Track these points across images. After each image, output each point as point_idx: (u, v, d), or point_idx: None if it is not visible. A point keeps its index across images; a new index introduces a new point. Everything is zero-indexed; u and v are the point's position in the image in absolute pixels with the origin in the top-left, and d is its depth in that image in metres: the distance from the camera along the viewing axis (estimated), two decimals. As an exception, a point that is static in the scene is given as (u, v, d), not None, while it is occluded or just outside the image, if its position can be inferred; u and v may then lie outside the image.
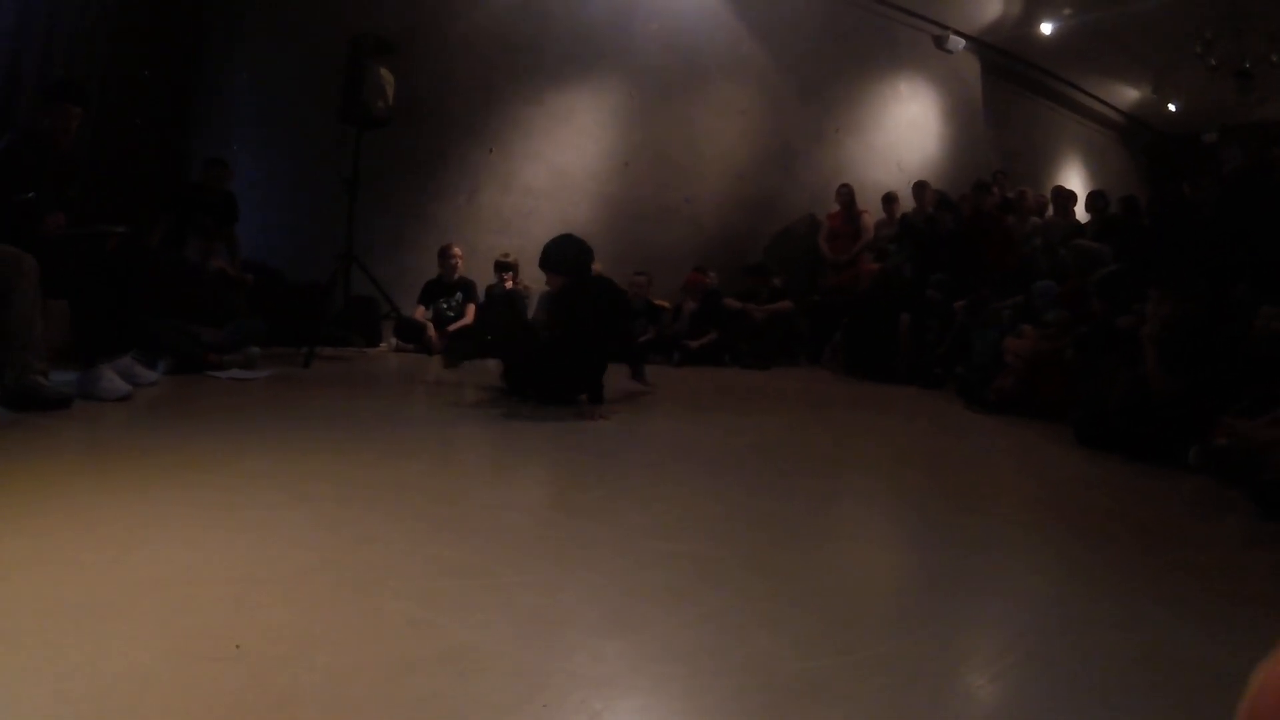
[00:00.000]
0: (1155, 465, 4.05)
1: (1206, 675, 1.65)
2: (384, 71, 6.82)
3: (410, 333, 7.82)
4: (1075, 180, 14.23)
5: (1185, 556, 2.64)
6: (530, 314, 8.06)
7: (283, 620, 1.60)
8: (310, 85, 7.98)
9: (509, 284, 8.29)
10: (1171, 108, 15.05)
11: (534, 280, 8.45)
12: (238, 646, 1.47)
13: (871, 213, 10.39)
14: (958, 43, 12.42)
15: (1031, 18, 12.21)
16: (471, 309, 8.05)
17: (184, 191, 7.19)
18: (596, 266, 5.76)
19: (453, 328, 7.84)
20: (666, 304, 8.85)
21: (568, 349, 4.92)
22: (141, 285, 4.76)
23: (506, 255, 8.40)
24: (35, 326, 3.85)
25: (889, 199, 10.47)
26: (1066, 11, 11.96)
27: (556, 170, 9.39)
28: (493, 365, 5.55)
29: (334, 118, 6.78)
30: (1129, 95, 15.50)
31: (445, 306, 8.04)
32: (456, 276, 8.12)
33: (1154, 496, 3.56)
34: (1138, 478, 3.84)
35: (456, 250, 8.10)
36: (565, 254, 5.17)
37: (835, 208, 10.41)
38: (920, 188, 10.19)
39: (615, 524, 2.42)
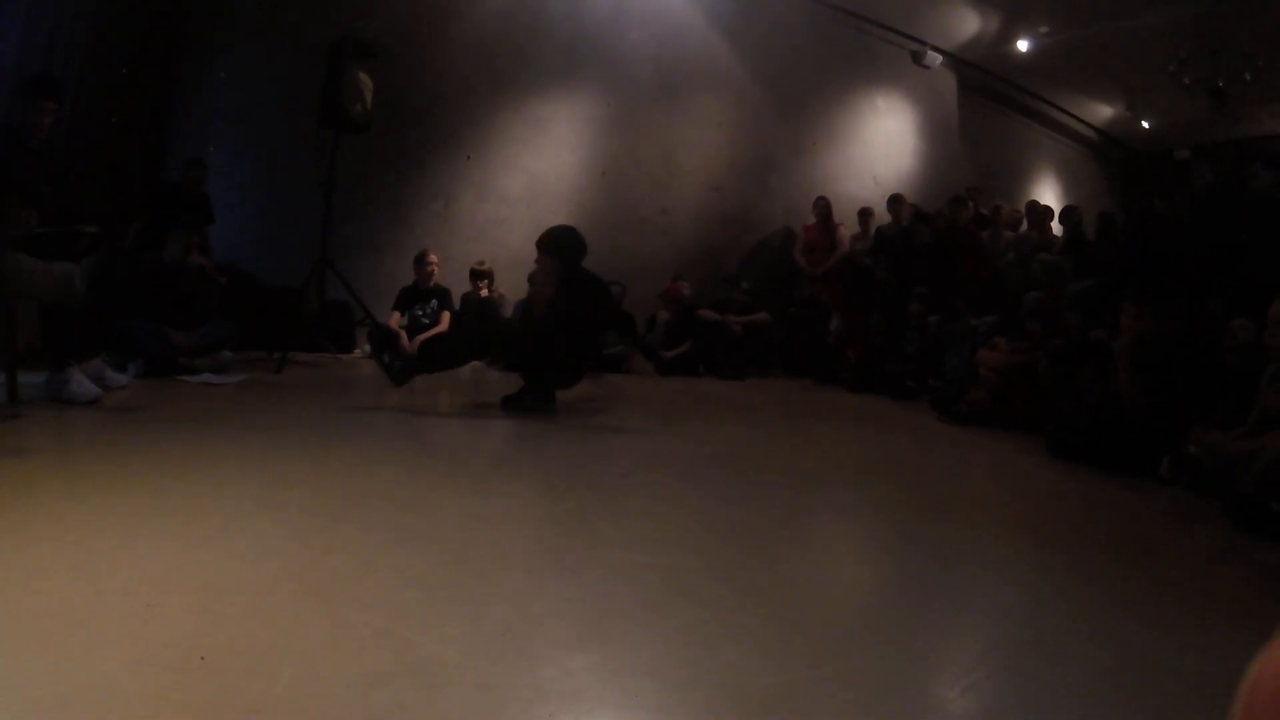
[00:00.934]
0: (1128, 477, 4.09)
1: (1180, 686, 1.66)
2: (363, 76, 6.79)
3: (384, 339, 7.77)
4: (1049, 196, 14.37)
5: (1158, 568, 2.65)
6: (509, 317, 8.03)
7: (248, 631, 1.58)
8: (290, 87, 7.95)
9: (484, 292, 8.27)
10: (1145, 124, 15.23)
11: (509, 288, 8.45)
12: (203, 658, 1.45)
13: (847, 226, 10.44)
14: (935, 58, 12.51)
15: (1008, 35, 12.32)
16: (447, 316, 8.01)
17: (160, 191, 7.13)
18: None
19: (424, 336, 7.82)
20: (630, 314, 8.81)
21: (559, 330, 4.99)
22: (113, 286, 4.70)
23: (482, 263, 8.38)
24: None
25: (864, 213, 10.51)
26: (1043, 29, 12.07)
27: (533, 178, 9.38)
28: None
29: (313, 120, 6.75)
30: (1103, 112, 15.66)
31: (420, 313, 8.00)
32: (432, 283, 8.08)
33: (1127, 508, 3.59)
34: (1110, 490, 3.87)
35: (433, 257, 8.06)
36: (565, 240, 5.35)
37: (812, 220, 10.44)
38: (895, 201, 10.24)
39: (586, 535, 2.41)
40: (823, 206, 10.29)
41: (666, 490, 3.25)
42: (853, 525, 3.03)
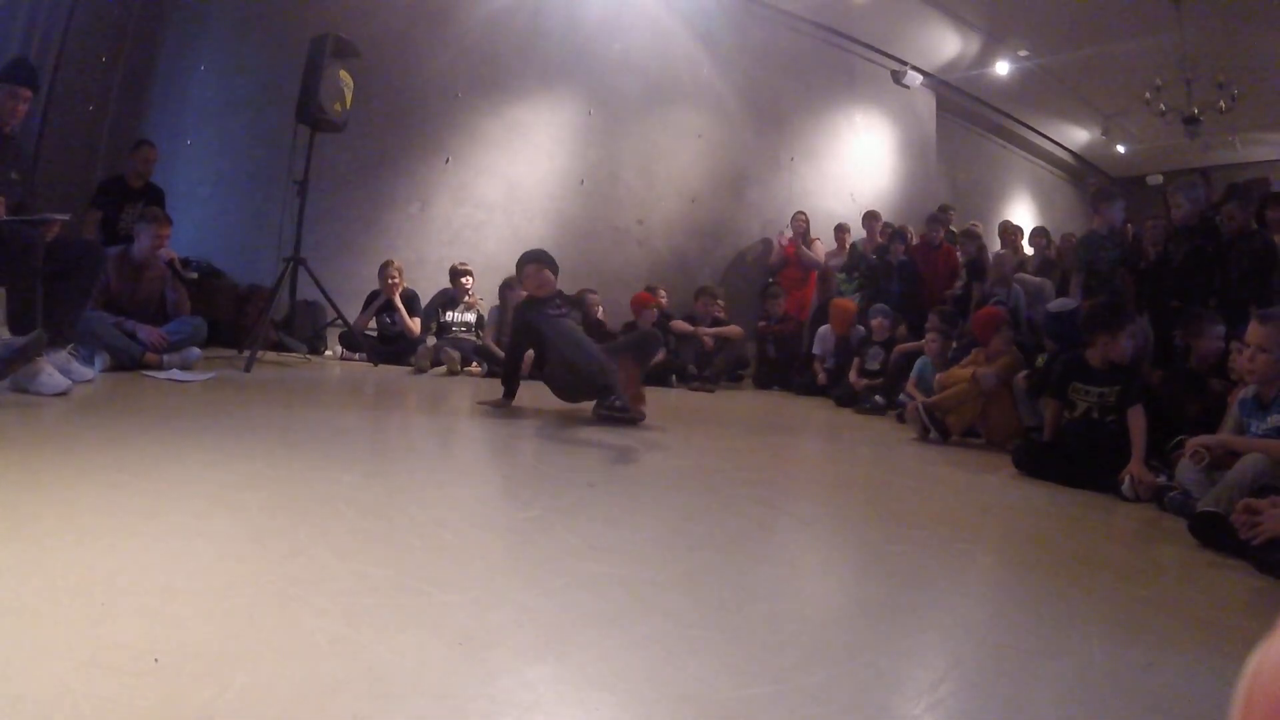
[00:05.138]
0: (1093, 494, 4.15)
1: (1144, 704, 1.66)
2: (344, 74, 6.75)
3: (355, 341, 7.74)
4: (1024, 217, 14.55)
5: (1123, 585, 2.67)
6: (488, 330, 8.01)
7: (202, 634, 1.55)
8: (269, 82, 7.92)
9: (467, 284, 8.26)
10: (1120, 149, 15.43)
11: (484, 294, 8.42)
12: (156, 660, 1.42)
13: (823, 242, 10.52)
14: (915, 78, 12.63)
15: (988, 58, 12.47)
16: (416, 322, 8.00)
17: (106, 183, 7.05)
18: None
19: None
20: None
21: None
22: (82, 277, 4.65)
23: (464, 264, 8.37)
24: None
25: (840, 229, 10.60)
26: (1022, 53, 12.22)
27: (511, 184, 9.38)
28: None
29: (290, 117, 6.71)
30: (1079, 137, 15.85)
31: (389, 320, 7.97)
32: (397, 293, 8.04)
33: (1092, 525, 3.62)
34: (1076, 506, 3.91)
35: (395, 267, 8.00)
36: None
37: (789, 234, 10.51)
38: (871, 218, 10.33)
39: (548, 544, 2.39)
40: (801, 221, 10.40)
41: (632, 501, 3.24)
42: (819, 539, 3.02)
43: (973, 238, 8.97)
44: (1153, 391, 4.86)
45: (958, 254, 9.28)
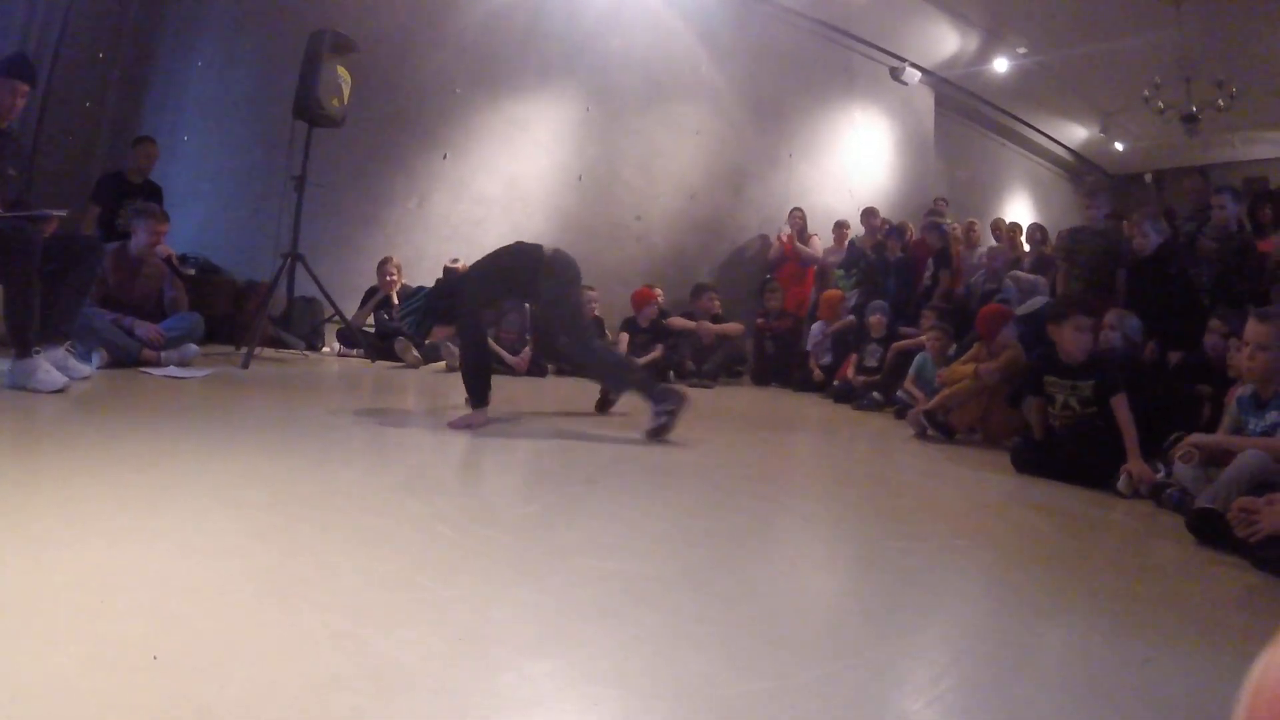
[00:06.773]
0: (1091, 491, 4.14)
1: (1144, 700, 1.66)
2: (341, 70, 6.73)
3: (353, 338, 7.72)
4: (1022, 213, 14.55)
5: (1122, 582, 2.67)
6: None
7: (203, 630, 1.55)
8: (267, 78, 7.90)
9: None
10: (1118, 146, 15.44)
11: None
12: (155, 657, 1.42)
13: (821, 238, 10.52)
14: (913, 75, 12.63)
15: (987, 55, 12.47)
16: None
17: (113, 179, 7.04)
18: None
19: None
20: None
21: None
22: (79, 273, 4.64)
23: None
24: None
25: (839, 225, 10.59)
26: (1021, 51, 12.22)
27: (509, 180, 9.37)
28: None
29: (288, 113, 6.69)
30: (1078, 134, 15.85)
31: (386, 317, 7.95)
32: (396, 289, 8.02)
33: (1091, 523, 3.62)
34: (1074, 504, 3.90)
35: (394, 264, 7.98)
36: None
37: (787, 230, 10.51)
38: (869, 215, 10.32)
39: (548, 540, 2.39)
40: (799, 217, 10.40)
41: (631, 497, 3.24)
42: (818, 535, 3.02)
43: (934, 228, 8.89)
44: (1151, 386, 4.86)
45: (958, 248, 9.28)
